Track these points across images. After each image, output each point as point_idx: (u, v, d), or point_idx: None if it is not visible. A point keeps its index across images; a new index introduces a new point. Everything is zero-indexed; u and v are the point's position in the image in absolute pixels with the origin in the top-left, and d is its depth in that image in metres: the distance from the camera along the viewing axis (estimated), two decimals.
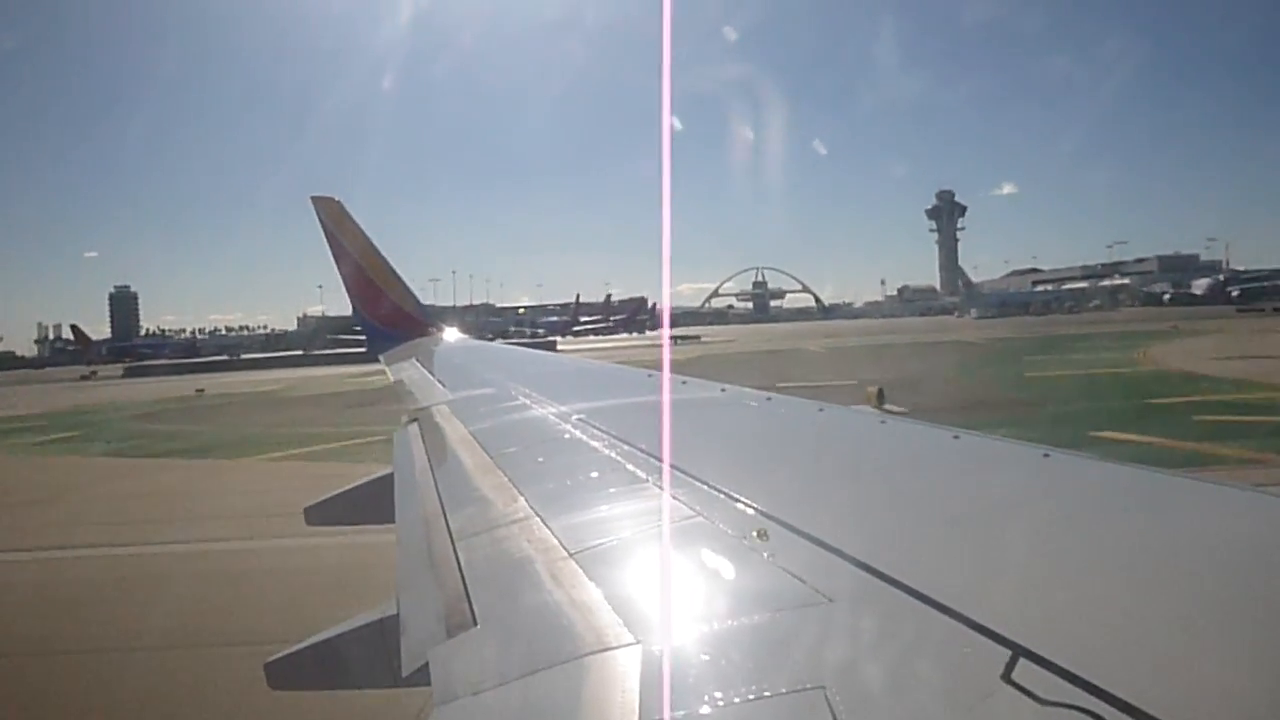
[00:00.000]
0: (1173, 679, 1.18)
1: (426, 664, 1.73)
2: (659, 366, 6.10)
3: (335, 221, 10.69)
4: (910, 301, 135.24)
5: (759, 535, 1.94)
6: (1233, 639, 1.30)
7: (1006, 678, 1.18)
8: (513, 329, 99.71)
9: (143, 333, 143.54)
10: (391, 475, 3.98)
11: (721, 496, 2.29)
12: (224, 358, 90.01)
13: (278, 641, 2.79)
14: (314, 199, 10.69)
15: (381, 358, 10.10)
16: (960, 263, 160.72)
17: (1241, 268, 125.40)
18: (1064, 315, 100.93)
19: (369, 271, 10.85)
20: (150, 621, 9.37)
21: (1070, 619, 1.40)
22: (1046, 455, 2.48)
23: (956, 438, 2.91)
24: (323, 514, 5.28)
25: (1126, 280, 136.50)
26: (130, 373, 78.89)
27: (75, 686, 7.90)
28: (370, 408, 25.70)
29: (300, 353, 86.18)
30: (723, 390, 4.81)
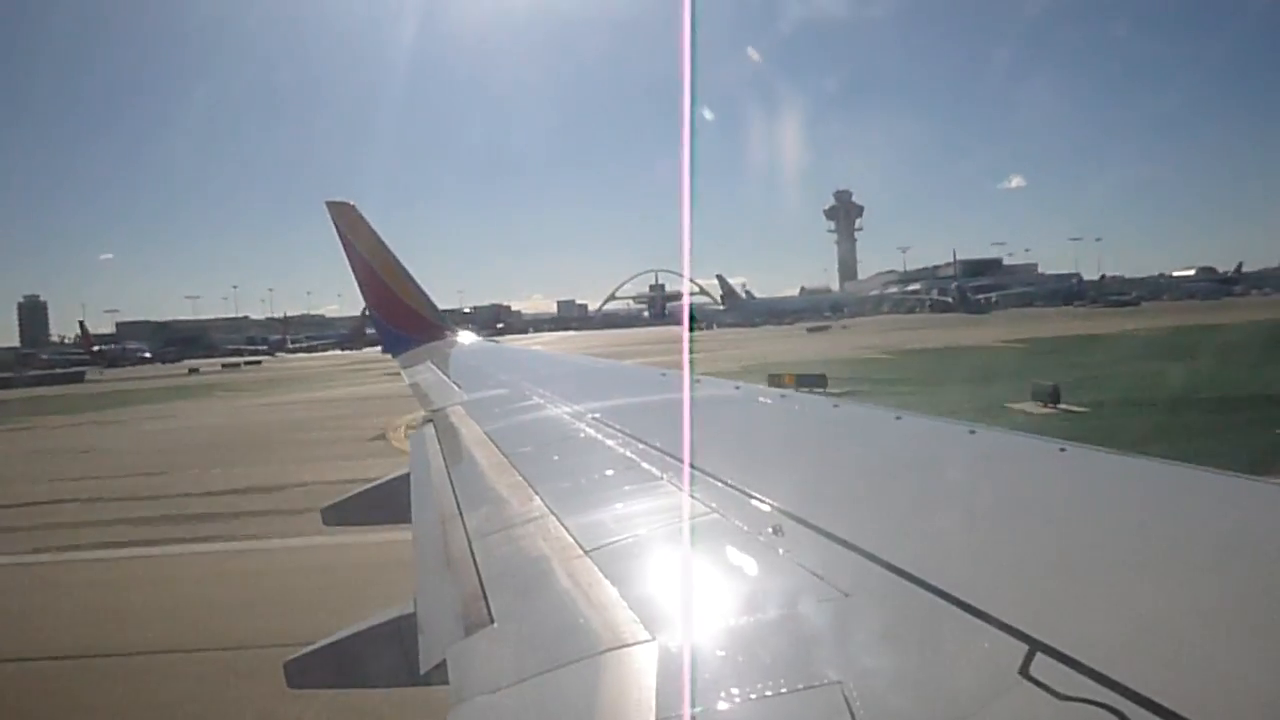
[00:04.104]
0: (1192, 674, 1.17)
1: (444, 662, 1.74)
2: None
3: (349, 225, 10.61)
4: (745, 305, 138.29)
5: (774, 531, 1.94)
6: (1251, 633, 1.29)
7: (1024, 673, 1.18)
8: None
9: (54, 341, 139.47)
10: (409, 476, 4.00)
11: (736, 493, 2.29)
12: None
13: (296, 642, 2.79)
14: (329, 204, 10.62)
15: (397, 360, 10.13)
16: (860, 261, 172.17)
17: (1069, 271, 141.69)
18: (789, 325, 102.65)
19: (383, 275, 10.77)
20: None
21: (1087, 613, 1.39)
22: (1062, 450, 2.47)
23: (972, 433, 2.90)
24: (341, 514, 5.30)
25: (917, 286, 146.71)
26: None
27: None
28: None
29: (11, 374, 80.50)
30: (736, 388, 4.80)
